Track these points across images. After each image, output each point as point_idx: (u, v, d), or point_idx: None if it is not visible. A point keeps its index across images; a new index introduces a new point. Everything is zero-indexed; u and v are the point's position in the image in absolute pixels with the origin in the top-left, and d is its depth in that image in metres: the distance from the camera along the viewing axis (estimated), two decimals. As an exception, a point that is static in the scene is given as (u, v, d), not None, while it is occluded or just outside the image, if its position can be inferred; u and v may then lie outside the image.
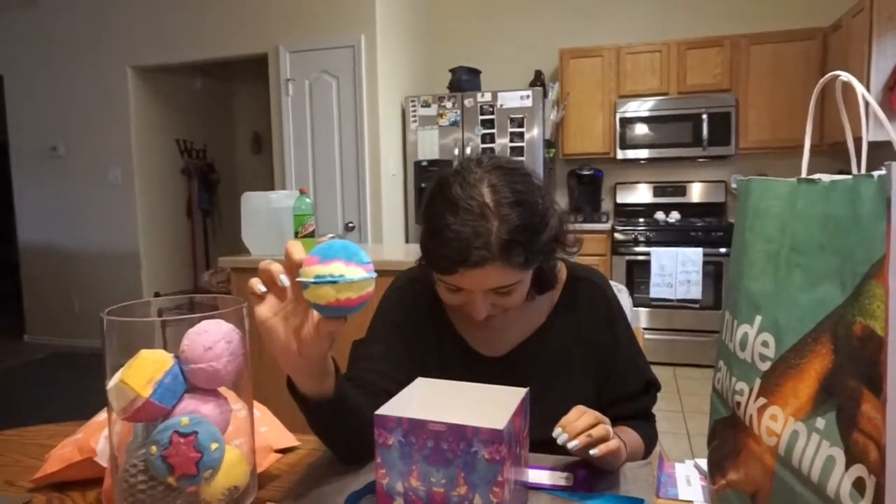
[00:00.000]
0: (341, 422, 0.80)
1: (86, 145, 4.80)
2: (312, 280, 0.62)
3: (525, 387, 0.76)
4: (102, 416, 0.86)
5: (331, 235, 0.62)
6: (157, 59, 4.56)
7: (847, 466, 0.46)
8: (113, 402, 0.63)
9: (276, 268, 0.66)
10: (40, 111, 4.89)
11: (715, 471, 0.67)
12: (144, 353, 0.64)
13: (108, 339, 0.66)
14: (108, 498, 0.72)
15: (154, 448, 0.61)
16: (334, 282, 0.62)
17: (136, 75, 4.70)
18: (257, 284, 0.67)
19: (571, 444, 0.77)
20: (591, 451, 0.77)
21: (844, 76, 0.57)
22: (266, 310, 0.68)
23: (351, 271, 0.63)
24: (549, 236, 0.90)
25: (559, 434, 0.78)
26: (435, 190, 0.90)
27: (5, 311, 5.82)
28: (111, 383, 0.63)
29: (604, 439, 0.78)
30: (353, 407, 0.80)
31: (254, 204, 2.56)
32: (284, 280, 0.66)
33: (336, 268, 0.62)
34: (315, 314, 0.66)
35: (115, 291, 4.75)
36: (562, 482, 0.81)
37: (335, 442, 0.86)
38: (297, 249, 0.66)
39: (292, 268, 0.66)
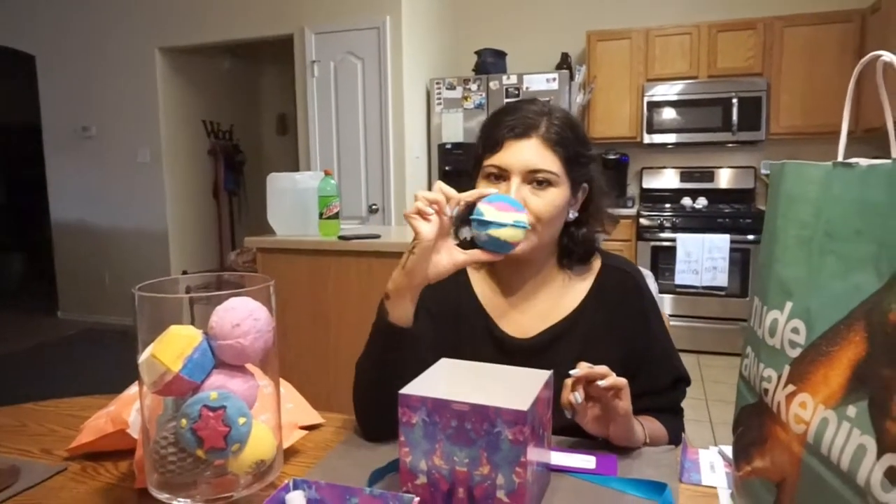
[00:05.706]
0: (407, 354, 0.88)
1: (116, 126, 4.88)
2: (511, 223, 0.81)
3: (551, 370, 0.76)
4: (134, 389, 0.88)
5: (493, 191, 0.83)
6: (185, 39, 4.60)
7: (879, 455, 0.45)
8: (144, 376, 0.64)
9: (444, 199, 0.81)
10: (72, 92, 4.97)
11: (740, 458, 0.67)
12: (174, 329, 0.65)
13: (139, 314, 0.67)
14: (140, 468, 0.74)
15: (184, 421, 0.63)
16: (525, 227, 0.83)
17: (164, 56, 4.74)
18: (427, 206, 0.81)
19: (575, 397, 0.81)
20: (600, 383, 0.81)
21: (887, 56, 0.55)
22: (430, 230, 0.82)
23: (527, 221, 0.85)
24: (587, 171, 1.01)
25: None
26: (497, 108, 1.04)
27: (41, 289, 5.96)
28: (142, 357, 0.64)
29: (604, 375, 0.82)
30: (419, 340, 0.90)
31: (279, 185, 2.58)
32: (452, 211, 0.82)
33: (523, 216, 0.83)
34: (451, 249, 0.86)
35: (144, 270, 4.84)
36: (585, 465, 0.81)
37: (396, 376, 0.80)
38: (450, 191, 0.82)
39: (443, 204, 0.81)
